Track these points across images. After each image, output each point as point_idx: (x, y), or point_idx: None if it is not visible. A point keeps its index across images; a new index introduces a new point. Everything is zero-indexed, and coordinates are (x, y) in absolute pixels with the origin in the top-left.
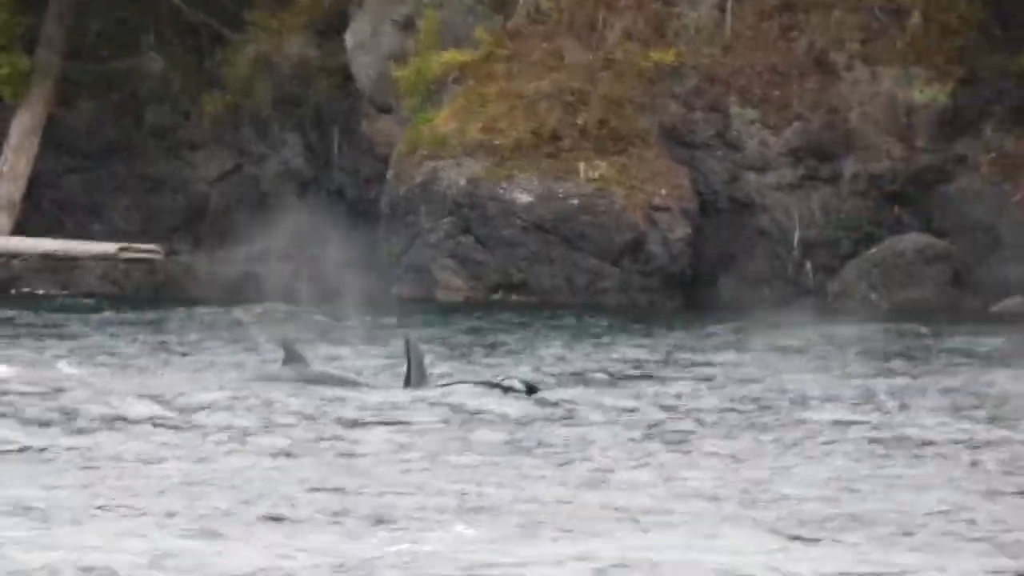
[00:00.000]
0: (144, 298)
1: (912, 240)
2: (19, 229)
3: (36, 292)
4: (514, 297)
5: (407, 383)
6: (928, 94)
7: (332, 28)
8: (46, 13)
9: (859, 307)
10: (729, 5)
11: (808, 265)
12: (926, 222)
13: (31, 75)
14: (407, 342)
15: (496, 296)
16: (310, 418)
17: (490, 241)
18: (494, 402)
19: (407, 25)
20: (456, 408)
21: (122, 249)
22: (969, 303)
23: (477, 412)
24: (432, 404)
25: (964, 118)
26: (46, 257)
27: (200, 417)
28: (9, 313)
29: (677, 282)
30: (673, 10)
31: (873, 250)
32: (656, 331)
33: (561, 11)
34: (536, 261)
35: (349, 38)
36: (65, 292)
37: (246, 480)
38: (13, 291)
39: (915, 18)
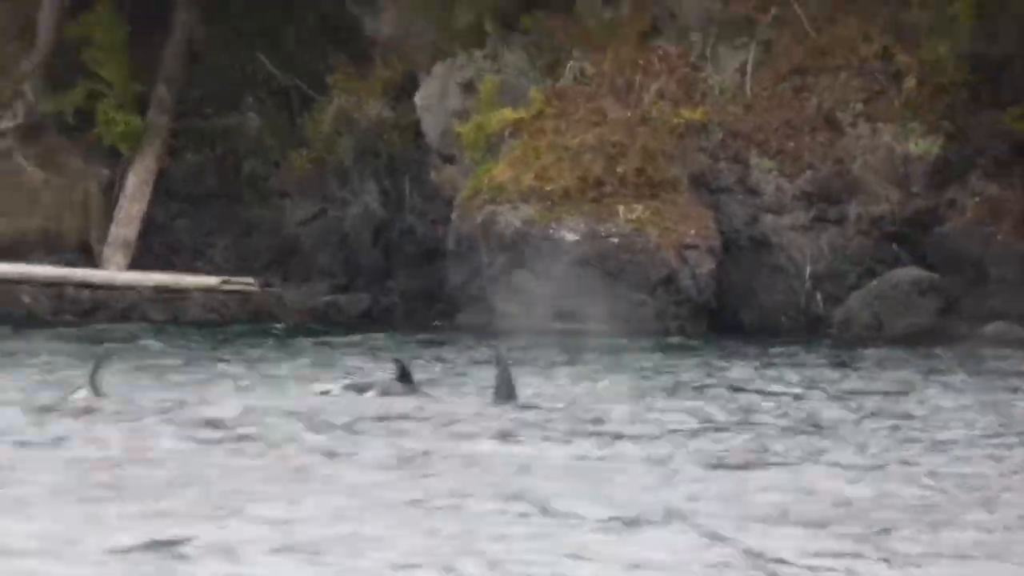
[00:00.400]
0: (248, 323)
1: (908, 273)
2: (134, 266)
3: (149, 319)
4: (562, 325)
5: (497, 397)
6: (922, 146)
7: (404, 91)
8: (157, 78)
9: (863, 332)
10: (749, 69)
11: (818, 296)
12: (920, 258)
13: (143, 132)
14: (497, 357)
15: (548, 324)
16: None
17: (542, 275)
18: (584, 415)
19: (469, 87)
20: (548, 422)
21: (223, 282)
22: (957, 329)
23: (570, 424)
24: (523, 418)
25: (953, 168)
26: (158, 289)
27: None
28: (157, 343)
29: (704, 311)
30: (700, 74)
31: (874, 282)
32: (697, 354)
33: (603, 74)
34: (582, 293)
35: (419, 99)
36: (174, 319)
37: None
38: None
39: (910, 81)
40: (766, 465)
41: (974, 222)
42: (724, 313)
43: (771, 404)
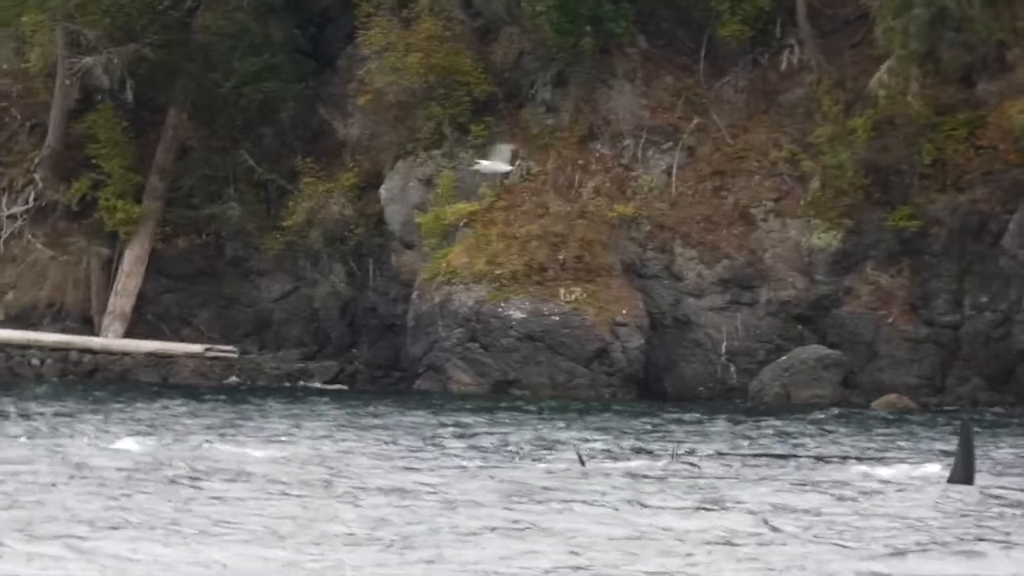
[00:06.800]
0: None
1: (812, 351)
2: (129, 334)
3: (142, 381)
4: (510, 391)
5: (953, 478)
6: (824, 240)
7: (369, 185)
8: (151, 171)
9: (777, 402)
10: (674, 170)
11: (732, 369)
12: (822, 337)
13: (139, 218)
14: (963, 434)
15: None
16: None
17: (492, 347)
18: None
19: (428, 183)
20: None
21: (207, 349)
22: (855, 399)
23: None
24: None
25: (850, 259)
26: (150, 355)
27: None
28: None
29: (633, 381)
30: (632, 173)
31: (783, 358)
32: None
33: (547, 172)
34: (526, 363)
35: (384, 192)
36: (165, 383)
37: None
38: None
39: (815, 183)
40: None
41: (868, 307)
42: (650, 382)
43: None
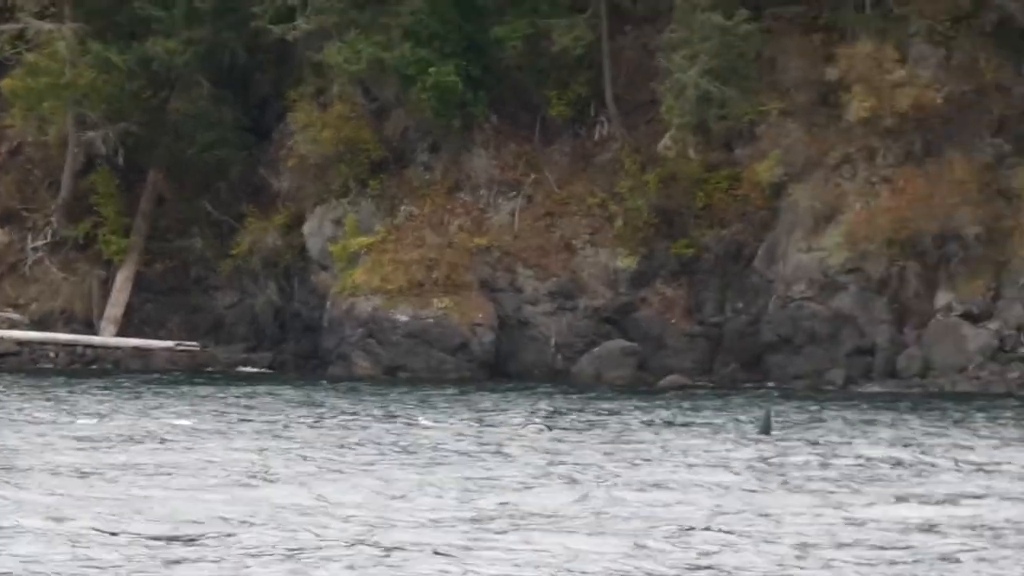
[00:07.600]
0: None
1: (617, 344)
2: (120, 333)
3: (129, 368)
4: (398, 374)
5: (758, 431)
6: (625, 263)
7: (296, 223)
8: (136, 214)
9: (591, 381)
10: (517, 212)
11: (559, 357)
12: (624, 333)
13: (128, 249)
14: (767, 411)
15: (387, 375)
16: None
17: (384, 342)
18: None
19: (338, 222)
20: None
21: (177, 344)
22: (647, 379)
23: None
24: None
25: (645, 276)
26: (135, 348)
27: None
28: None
29: (487, 366)
30: (486, 215)
31: (596, 349)
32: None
33: (424, 215)
34: (409, 353)
35: (306, 229)
36: (146, 369)
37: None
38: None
39: (619, 222)
40: None
41: (657, 311)
42: (498, 369)
43: None
